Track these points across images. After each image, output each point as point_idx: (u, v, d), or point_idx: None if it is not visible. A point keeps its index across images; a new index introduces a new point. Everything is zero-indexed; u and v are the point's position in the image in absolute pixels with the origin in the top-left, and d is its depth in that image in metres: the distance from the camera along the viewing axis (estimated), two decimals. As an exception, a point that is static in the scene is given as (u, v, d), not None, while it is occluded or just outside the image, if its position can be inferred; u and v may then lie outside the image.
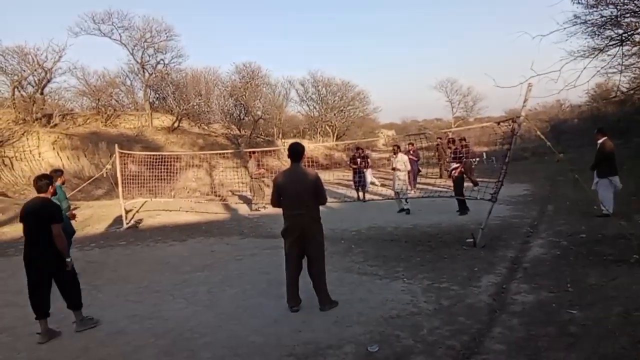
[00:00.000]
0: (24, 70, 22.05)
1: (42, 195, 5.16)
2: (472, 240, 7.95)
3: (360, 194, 15.07)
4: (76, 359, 4.46)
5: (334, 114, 35.88)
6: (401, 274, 6.57)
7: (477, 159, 18.89)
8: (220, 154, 19.70)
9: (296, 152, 5.44)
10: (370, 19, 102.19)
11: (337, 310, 5.25)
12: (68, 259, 5.08)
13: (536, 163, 22.12)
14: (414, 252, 7.76)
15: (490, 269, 6.52)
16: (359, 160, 15.51)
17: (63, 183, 8.06)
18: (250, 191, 14.74)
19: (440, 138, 18.75)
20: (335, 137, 35.18)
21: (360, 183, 15.06)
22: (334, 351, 4.23)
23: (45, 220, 4.94)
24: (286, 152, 5.68)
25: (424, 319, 4.85)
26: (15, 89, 21.81)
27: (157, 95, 28.64)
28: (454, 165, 11.22)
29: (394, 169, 12.21)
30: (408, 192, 12.54)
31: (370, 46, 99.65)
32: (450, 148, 11.41)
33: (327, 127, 36.23)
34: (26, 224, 5.02)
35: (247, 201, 15.10)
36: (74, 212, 8.56)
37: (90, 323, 5.28)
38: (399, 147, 13.06)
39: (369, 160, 15.77)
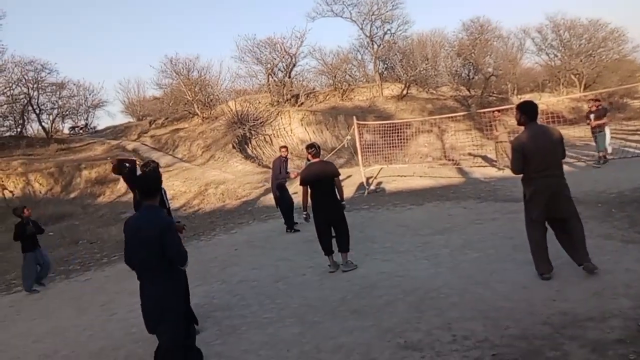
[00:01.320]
0: (275, 58, 25.53)
1: (316, 159, 6.55)
2: None
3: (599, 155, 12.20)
4: (338, 308, 5.09)
5: (580, 60, 31.12)
6: (683, 243, 5.46)
7: None
8: (450, 117, 19.37)
9: (531, 110, 5.04)
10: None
11: (596, 281, 4.69)
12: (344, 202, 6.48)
13: None
14: (702, 218, 6.33)
15: None
16: (591, 116, 12.30)
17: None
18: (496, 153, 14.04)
19: None
20: (582, 87, 30.62)
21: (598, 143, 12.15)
22: (596, 324, 3.83)
23: (330, 176, 6.34)
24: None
25: None
26: (269, 76, 25.45)
27: (386, 65, 29.64)
28: None
29: None
30: None
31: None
32: None
33: (572, 76, 31.74)
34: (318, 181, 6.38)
35: (489, 162, 14.59)
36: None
37: (352, 266, 6.35)
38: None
39: (607, 114, 12.23)
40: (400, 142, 15.44)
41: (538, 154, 4.89)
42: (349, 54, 29.62)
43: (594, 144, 12.59)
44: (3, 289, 8.51)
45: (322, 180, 6.35)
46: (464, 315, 4.40)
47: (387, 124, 15.48)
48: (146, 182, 3.76)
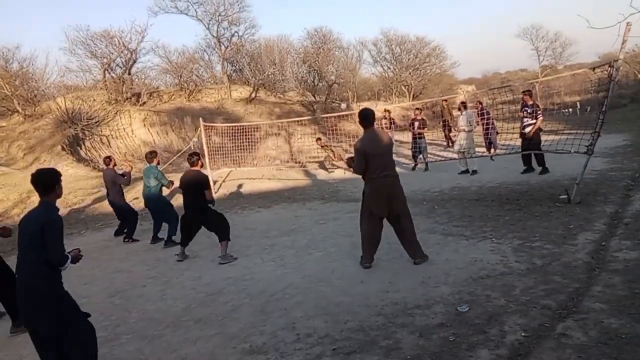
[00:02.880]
0: (112, 53, 23.52)
1: (194, 168, 6.80)
2: (566, 196, 7.50)
3: (420, 162, 13.61)
4: (181, 319, 4.85)
5: (409, 73, 34.70)
6: (489, 233, 6.39)
7: (569, 110, 17.48)
8: (297, 121, 19.98)
9: (368, 116, 5.52)
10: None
11: (422, 271, 5.24)
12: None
13: (636, 110, 20.15)
14: (502, 211, 7.48)
15: (587, 226, 6.14)
16: (415, 123, 13.37)
17: (158, 163, 8.61)
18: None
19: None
20: (411, 97, 34.15)
21: (417, 149, 13.48)
22: (423, 311, 4.25)
23: (199, 186, 6.62)
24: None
25: (515, 279, 4.70)
26: (106, 71, 23.39)
27: (234, 68, 29.39)
28: (529, 121, 10.04)
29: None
30: (473, 151, 11.63)
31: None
32: (526, 102, 10.20)
33: (403, 87, 35.21)
34: (186, 188, 6.76)
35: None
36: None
37: (230, 259, 6.63)
38: (464, 103, 12.35)
39: (426, 123, 13.87)
40: (249, 145, 15.41)
41: (377, 156, 5.34)
42: (196, 53, 28.68)
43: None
44: None
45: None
46: (307, 313, 4.52)
47: (236, 126, 15.35)
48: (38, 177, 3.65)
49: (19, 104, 21.97)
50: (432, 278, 5.00)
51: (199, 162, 6.93)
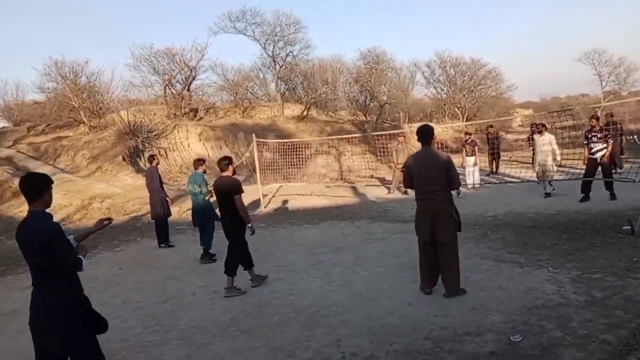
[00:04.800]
0: (173, 70, 24.64)
1: (224, 173, 6.30)
2: (629, 227, 7.08)
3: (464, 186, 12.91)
4: (228, 329, 4.93)
5: (463, 95, 34.16)
6: (545, 262, 6.11)
7: (635, 137, 16.58)
8: (347, 138, 20.08)
9: (426, 133, 5.32)
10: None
11: (473, 297, 5.07)
12: (249, 225, 6.18)
13: None
14: (560, 240, 7.14)
15: (653, 260, 5.76)
16: (466, 147, 13.52)
17: (204, 171, 8.84)
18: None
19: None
20: (464, 119, 33.57)
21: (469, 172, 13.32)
22: (473, 338, 4.11)
23: (231, 191, 6.08)
24: (414, 135, 5.59)
25: (573, 311, 4.47)
26: (167, 87, 24.50)
27: (287, 86, 30.02)
28: (599, 146, 9.75)
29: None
30: (553, 174, 11.31)
31: (500, 19, 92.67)
32: (594, 126, 9.81)
33: (456, 109, 34.70)
34: (218, 195, 6.30)
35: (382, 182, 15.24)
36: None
37: (260, 281, 6.37)
38: (544, 125, 11.86)
39: (476, 146, 13.68)
40: (299, 162, 15.62)
41: (421, 177, 5.22)
42: (251, 71, 29.59)
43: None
44: None
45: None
46: (353, 332, 4.48)
47: (287, 142, 15.62)
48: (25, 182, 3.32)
49: (85, 115, 23.35)
50: (484, 305, 4.84)
51: (230, 167, 6.39)
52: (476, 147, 13.61)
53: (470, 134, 14.11)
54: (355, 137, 20.47)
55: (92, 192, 15.66)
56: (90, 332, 3.37)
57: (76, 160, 20.57)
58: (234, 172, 6.53)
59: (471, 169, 13.36)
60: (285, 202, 13.55)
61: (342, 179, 19.04)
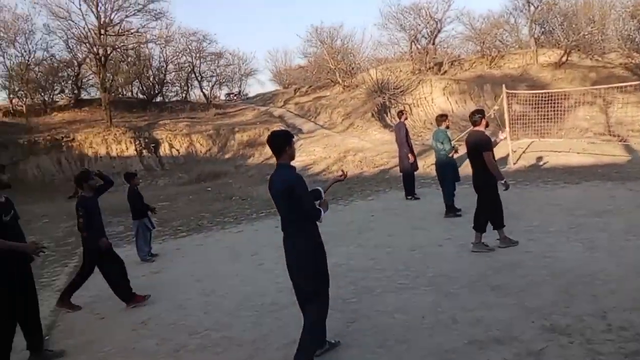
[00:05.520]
0: (419, 25, 24.75)
1: (476, 128, 6.06)
2: None
3: None
4: (477, 282, 4.95)
5: None
6: None
7: None
8: (618, 87, 16.98)
9: None
10: None
11: None
12: (502, 181, 5.80)
13: None
14: None
15: None
16: None
17: (447, 127, 8.71)
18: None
19: None
20: None
21: None
22: None
23: (478, 148, 5.83)
24: None
25: None
26: (412, 43, 24.82)
27: (543, 30, 26.89)
28: None
29: None
30: None
31: None
32: None
33: None
34: (468, 150, 6.13)
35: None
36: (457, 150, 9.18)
37: (510, 243, 5.95)
38: None
39: None
40: (555, 115, 14.04)
41: None
42: (501, 17, 27.39)
43: None
44: (171, 234, 9.81)
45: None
46: (622, 305, 3.98)
47: (541, 93, 14.21)
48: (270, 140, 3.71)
49: (339, 76, 25.61)
50: None
51: (482, 120, 6.00)
52: None
53: None
54: (629, 86, 17.17)
55: (347, 146, 17.31)
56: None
57: (333, 117, 22.91)
58: (487, 125, 6.18)
59: None
60: (539, 158, 12.47)
61: (609, 133, 16.40)
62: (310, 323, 3.58)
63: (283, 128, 19.83)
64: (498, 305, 4.28)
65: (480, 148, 5.82)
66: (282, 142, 3.61)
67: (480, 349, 3.57)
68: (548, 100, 13.80)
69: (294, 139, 3.77)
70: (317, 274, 3.62)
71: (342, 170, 4.16)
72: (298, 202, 3.51)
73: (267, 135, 3.80)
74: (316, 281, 3.61)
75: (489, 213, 5.98)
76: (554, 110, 13.83)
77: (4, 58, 23.58)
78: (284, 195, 3.53)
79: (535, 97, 14.22)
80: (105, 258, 5.61)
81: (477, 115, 6.04)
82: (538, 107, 14.08)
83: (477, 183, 6.07)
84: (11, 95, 23.86)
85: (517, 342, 3.60)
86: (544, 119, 13.86)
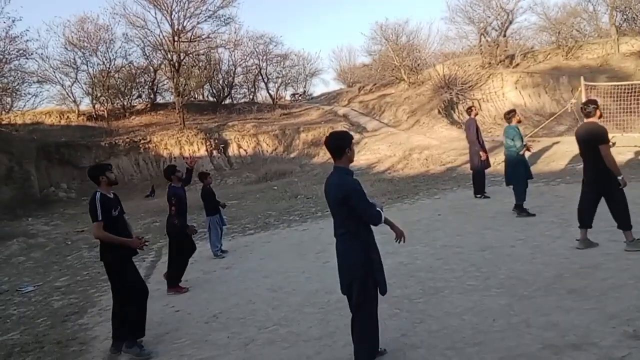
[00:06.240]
0: (489, 17, 23.83)
1: (589, 119, 5.65)
2: None
3: None
4: (552, 285, 4.71)
5: None
6: None
7: None
8: None
9: None
10: None
11: None
12: (619, 177, 5.37)
13: None
14: None
15: None
16: None
17: (519, 122, 8.32)
18: None
19: None
20: None
21: None
22: None
23: (592, 141, 5.43)
24: None
25: None
26: (482, 36, 23.96)
27: (625, 17, 24.99)
28: None
29: None
30: None
31: None
32: None
33: None
34: (578, 144, 5.78)
35: None
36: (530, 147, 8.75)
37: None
38: None
39: None
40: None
41: None
42: (578, 5, 25.76)
43: None
44: (240, 231, 10.15)
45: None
46: None
47: (625, 85, 13.24)
48: (329, 140, 3.58)
49: (404, 73, 25.26)
50: None
51: (597, 111, 5.57)
52: None
53: None
54: None
55: (412, 144, 17.06)
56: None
57: (397, 115, 22.65)
58: (600, 116, 5.74)
59: None
60: (622, 154, 11.59)
61: None
62: (357, 338, 3.55)
63: (346, 128, 19.91)
64: (575, 310, 4.07)
65: (595, 141, 5.41)
66: (341, 144, 3.49)
67: (556, 355, 3.42)
68: (632, 92, 12.89)
69: (353, 141, 3.69)
70: (364, 287, 3.50)
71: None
72: (353, 211, 3.41)
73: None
74: (365, 294, 3.50)
75: (618, 213, 5.52)
76: (638, 103, 12.87)
77: (87, 66, 25.53)
78: (340, 202, 3.44)
79: (617, 89, 13.29)
80: (187, 241, 6.41)
81: (590, 106, 5.66)
82: (620, 100, 13.20)
83: (593, 178, 5.66)
84: (94, 101, 25.73)
85: (596, 348, 3.42)
86: (627, 112, 12.94)
